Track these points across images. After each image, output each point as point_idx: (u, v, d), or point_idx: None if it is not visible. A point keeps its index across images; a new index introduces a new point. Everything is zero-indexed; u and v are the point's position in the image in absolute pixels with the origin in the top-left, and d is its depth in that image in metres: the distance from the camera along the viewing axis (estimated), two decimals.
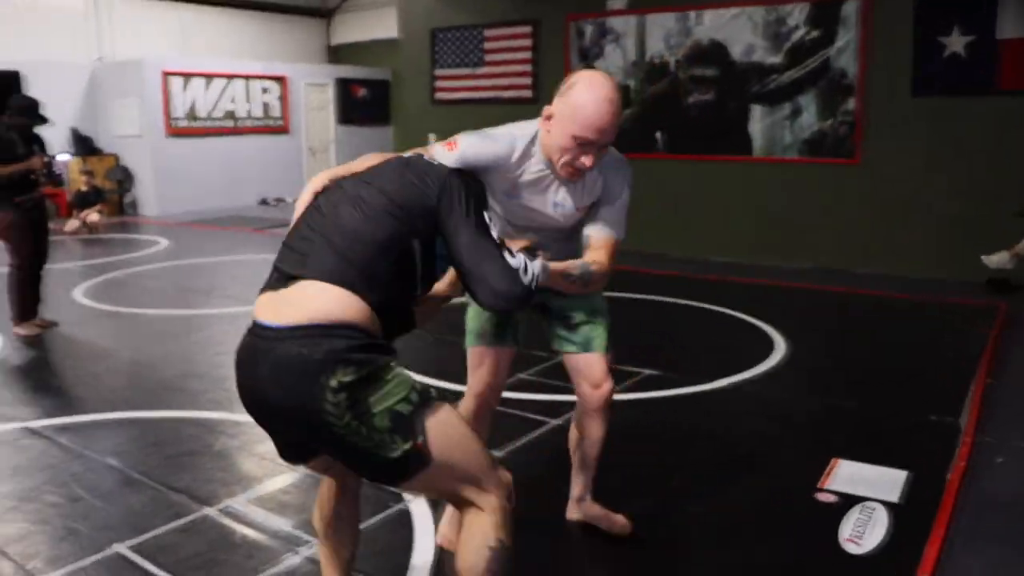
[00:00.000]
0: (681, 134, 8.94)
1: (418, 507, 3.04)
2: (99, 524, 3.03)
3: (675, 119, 8.93)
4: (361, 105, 16.47)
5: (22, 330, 5.69)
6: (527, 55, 9.86)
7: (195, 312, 6.42)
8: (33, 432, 3.95)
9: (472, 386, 2.70)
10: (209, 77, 14.00)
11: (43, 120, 5.85)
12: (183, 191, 13.52)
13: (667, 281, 7.41)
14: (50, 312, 6.10)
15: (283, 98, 15.15)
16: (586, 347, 2.54)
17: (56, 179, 5.93)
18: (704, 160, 8.88)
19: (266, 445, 3.65)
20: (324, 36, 17.84)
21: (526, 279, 1.86)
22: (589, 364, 2.54)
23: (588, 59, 9.47)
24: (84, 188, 11.36)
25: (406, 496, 3.12)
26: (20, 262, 5.61)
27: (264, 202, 14.64)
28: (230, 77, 14.33)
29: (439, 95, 10.61)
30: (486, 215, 1.88)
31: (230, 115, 14.36)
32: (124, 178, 13.47)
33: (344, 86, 16.11)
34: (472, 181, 1.96)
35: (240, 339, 1.85)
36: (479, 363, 2.66)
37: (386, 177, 1.89)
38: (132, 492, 3.31)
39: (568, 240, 2.46)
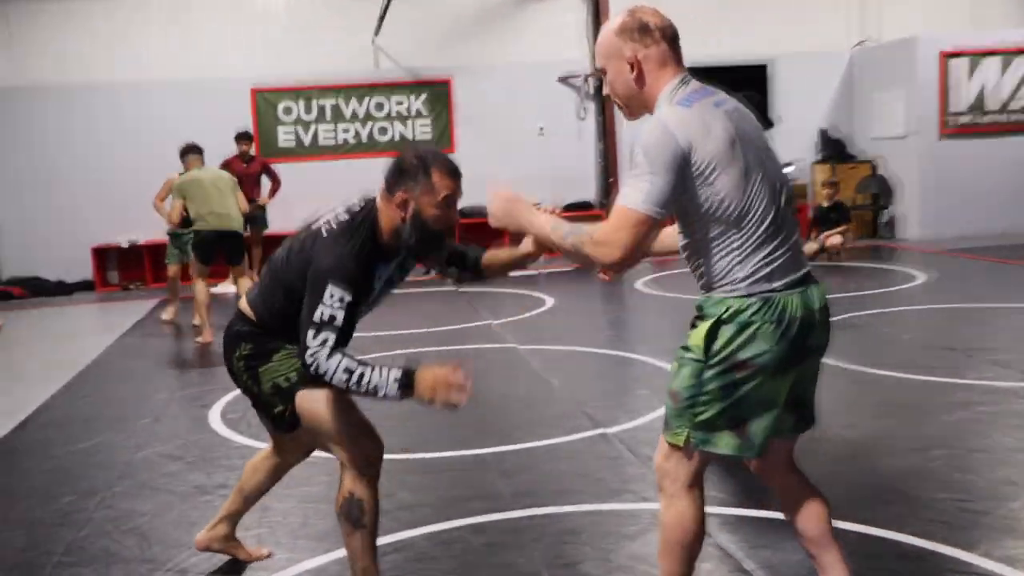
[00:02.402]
0: None
1: None
2: None
3: None
4: None
5: None
6: None
7: (943, 380, 5.87)
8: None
9: None
10: (1008, 55, 13.18)
11: (766, 125, 5.96)
12: (958, 210, 13.04)
13: None
14: None
15: None
16: None
17: None
18: None
19: None
20: None
21: (324, 367, 2.87)
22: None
23: None
24: (826, 204, 11.65)
25: None
26: None
27: None
28: None
29: None
30: (336, 294, 2.91)
31: None
32: (880, 191, 13.52)
33: None
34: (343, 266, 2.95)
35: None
36: None
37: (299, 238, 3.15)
38: None
39: (689, 249, 2.70)
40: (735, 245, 2.54)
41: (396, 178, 3.01)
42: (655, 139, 2.48)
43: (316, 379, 2.93)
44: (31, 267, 12.78)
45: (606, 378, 6.73)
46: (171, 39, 12.90)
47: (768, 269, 2.54)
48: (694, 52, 12.05)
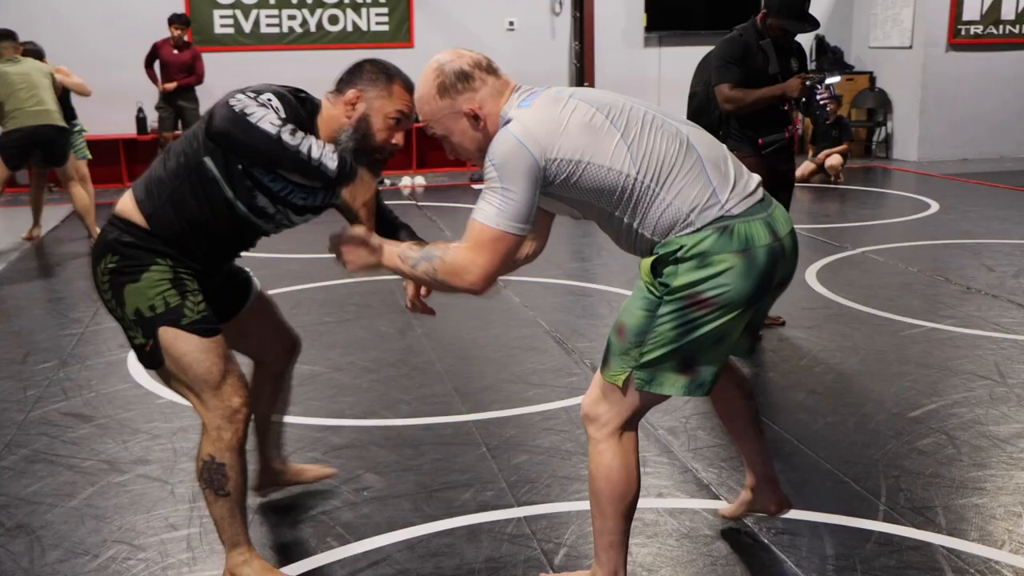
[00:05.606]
0: None
1: None
2: None
3: None
4: None
5: None
6: None
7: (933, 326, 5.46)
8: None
9: None
10: None
11: (813, 24, 5.25)
12: (960, 129, 12.62)
13: None
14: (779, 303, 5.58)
15: None
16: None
17: (818, 112, 5.30)
18: None
19: None
20: None
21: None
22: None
23: None
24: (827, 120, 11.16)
25: None
26: None
27: None
28: None
29: None
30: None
31: None
32: (877, 107, 12.99)
33: None
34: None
35: None
36: None
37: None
38: None
39: (619, 235, 2.62)
40: (662, 199, 2.44)
41: (352, 76, 2.86)
42: (505, 150, 2.42)
43: (176, 313, 2.72)
44: None
45: (581, 314, 6.01)
46: None
47: (715, 198, 2.44)
48: None
